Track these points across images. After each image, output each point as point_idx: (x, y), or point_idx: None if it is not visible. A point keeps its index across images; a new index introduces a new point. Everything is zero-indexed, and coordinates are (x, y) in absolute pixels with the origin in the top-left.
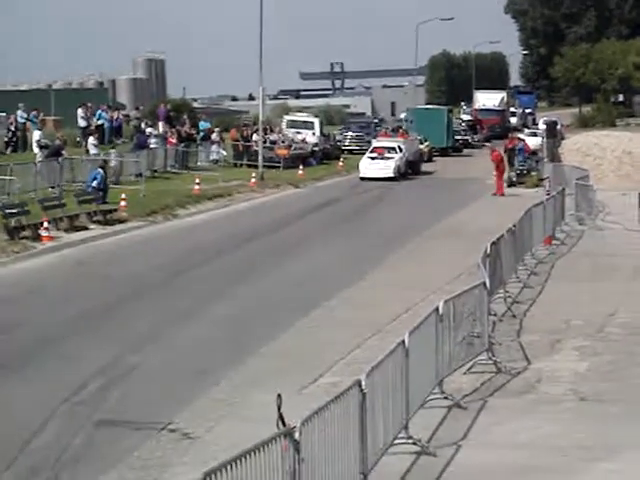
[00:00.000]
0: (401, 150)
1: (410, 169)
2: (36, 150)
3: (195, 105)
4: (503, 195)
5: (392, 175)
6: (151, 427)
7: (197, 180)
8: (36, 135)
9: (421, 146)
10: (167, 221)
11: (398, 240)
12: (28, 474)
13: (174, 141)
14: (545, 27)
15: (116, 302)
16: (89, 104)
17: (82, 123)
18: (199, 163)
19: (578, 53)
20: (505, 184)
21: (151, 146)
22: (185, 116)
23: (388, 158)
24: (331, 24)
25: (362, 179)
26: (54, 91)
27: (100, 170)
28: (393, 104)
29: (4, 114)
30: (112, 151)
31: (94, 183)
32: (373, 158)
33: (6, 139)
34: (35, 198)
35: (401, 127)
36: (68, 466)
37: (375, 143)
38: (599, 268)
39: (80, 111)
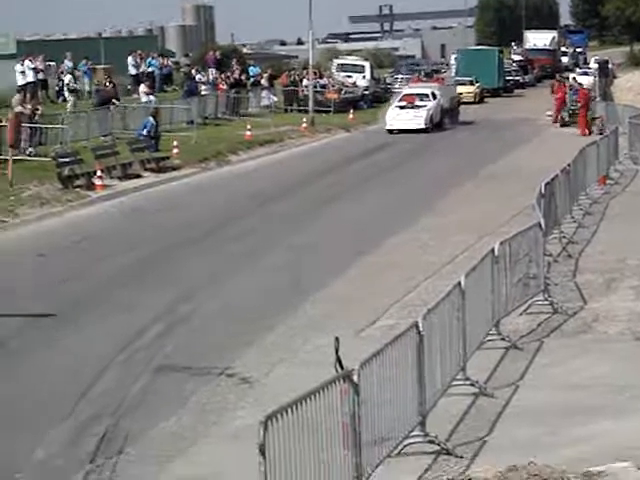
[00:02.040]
0: (435, 97)
1: (446, 117)
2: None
3: (244, 51)
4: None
5: (423, 126)
6: (209, 372)
7: (248, 126)
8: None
9: (469, 88)
10: (219, 167)
11: (451, 183)
12: (89, 421)
13: (224, 87)
14: None
15: (171, 249)
16: (139, 52)
17: (132, 71)
18: (250, 109)
19: None
20: (558, 124)
21: (202, 93)
22: (234, 62)
23: (419, 107)
24: None
25: (389, 132)
26: (103, 39)
27: (150, 118)
28: (443, 46)
29: (54, 63)
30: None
31: (144, 131)
32: (402, 107)
33: (57, 88)
34: (88, 147)
35: (437, 71)
36: (128, 413)
37: (405, 90)
38: None
39: (130, 59)
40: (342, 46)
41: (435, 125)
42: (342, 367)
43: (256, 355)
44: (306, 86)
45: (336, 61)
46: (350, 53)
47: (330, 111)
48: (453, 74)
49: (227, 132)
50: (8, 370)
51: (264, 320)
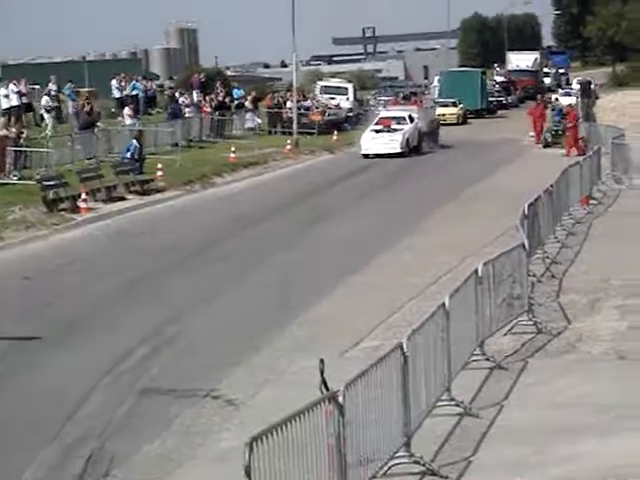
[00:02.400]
0: (412, 120)
1: (425, 141)
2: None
3: (228, 73)
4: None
5: (399, 150)
6: (195, 394)
7: (232, 148)
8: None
9: (452, 109)
10: (204, 190)
11: (434, 204)
12: (75, 444)
13: (208, 110)
14: None
15: (156, 271)
16: (123, 75)
17: (117, 94)
18: (234, 131)
19: (611, 12)
20: (541, 144)
21: (186, 115)
22: (218, 84)
23: (395, 130)
24: None
25: (365, 156)
26: (87, 63)
27: (134, 141)
28: (426, 67)
29: (38, 87)
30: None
31: (128, 154)
32: (378, 131)
33: (41, 112)
34: (72, 170)
35: (415, 93)
36: (114, 435)
37: (382, 113)
38: (637, 227)
39: (114, 82)
40: (326, 68)
41: (412, 149)
42: (327, 388)
43: (242, 376)
44: (290, 108)
45: (320, 83)
46: (334, 75)
47: (314, 133)
48: (436, 95)
49: (211, 154)
50: None
51: (250, 341)
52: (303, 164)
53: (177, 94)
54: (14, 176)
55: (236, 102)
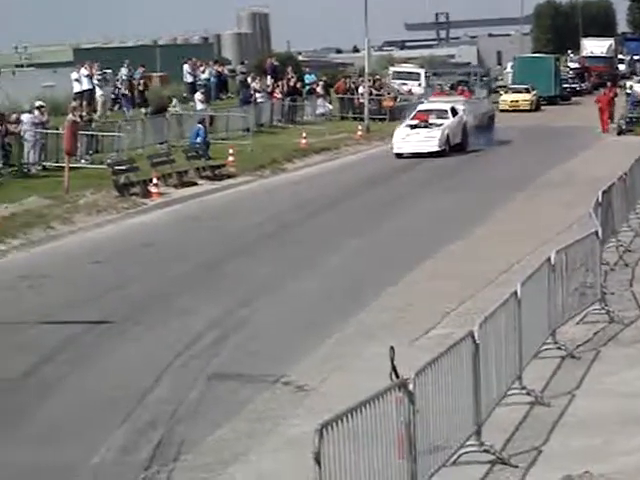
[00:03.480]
0: (455, 113)
1: (473, 137)
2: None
3: (300, 58)
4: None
5: (437, 149)
6: (265, 380)
7: (303, 134)
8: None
9: (526, 96)
10: (275, 175)
11: (507, 192)
12: (145, 428)
13: (279, 95)
14: None
15: (227, 256)
16: (195, 60)
17: (188, 79)
18: (305, 117)
19: None
20: (615, 132)
21: (257, 101)
22: (290, 70)
23: (433, 125)
24: None
25: (398, 156)
26: (159, 47)
27: (200, 125)
28: (499, 53)
29: (110, 71)
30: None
31: (198, 139)
32: (413, 127)
33: (113, 96)
34: (143, 155)
35: (465, 81)
36: (183, 420)
37: (420, 106)
38: None
39: (186, 67)
40: (398, 53)
41: (454, 147)
42: (397, 376)
43: (312, 362)
44: (362, 94)
45: (392, 69)
46: (406, 60)
47: (385, 119)
48: (509, 81)
49: (282, 140)
50: (65, 378)
51: (321, 327)
52: (374, 150)
53: (249, 79)
54: (85, 160)
55: (307, 87)
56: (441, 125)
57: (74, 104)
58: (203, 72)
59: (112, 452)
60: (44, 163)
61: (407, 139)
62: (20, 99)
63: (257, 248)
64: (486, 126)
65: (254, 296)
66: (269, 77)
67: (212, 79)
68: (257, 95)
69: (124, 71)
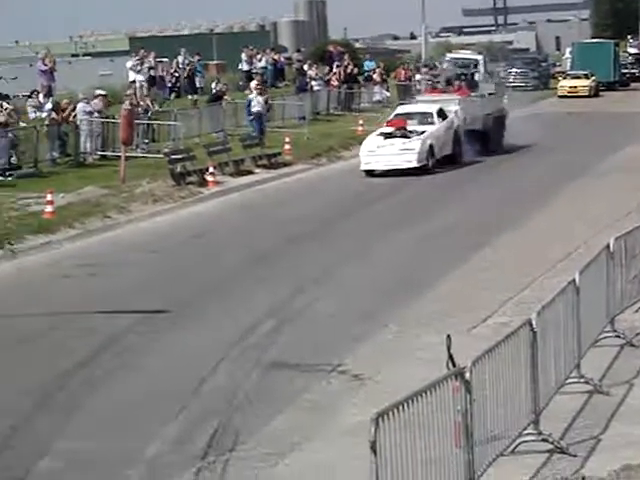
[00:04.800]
0: (444, 117)
1: (469, 145)
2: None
3: (356, 45)
4: None
5: (416, 164)
6: (321, 369)
7: (360, 121)
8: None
9: (585, 82)
10: (331, 163)
11: (563, 178)
12: (201, 418)
13: (336, 83)
14: None
15: (284, 245)
16: (251, 47)
17: (245, 67)
18: (362, 104)
19: None
20: None
21: (313, 88)
22: (347, 57)
23: (413, 134)
24: None
25: (367, 174)
26: (216, 35)
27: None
28: (557, 39)
29: (166, 59)
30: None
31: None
32: (387, 135)
33: (169, 84)
34: (200, 143)
35: (463, 74)
36: (240, 409)
37: (400, 108)
38: None
39: (243, 55)
40: (455, 40)
41: (443, 160)
42: (454, 365)
43: (368, 352)
44: (419, 80)
45: (449, 55)
46: (463, 47)
47: None
48: (568, 67)
49: (339, 127)
50: (121, 368)
51: (377, 316)
52: None
53: (305, 67)
54: (142, 150)
55: (365, 74)
56: (423, 133)
57: (130, 93)
58: (260, 60)
59: (168, 442)
60: (102, 152)
61: (378, 152)
62: (76, 88)
63: (313, 237)
64: (492, 130)
65: (311, 284)
66: (333, 65)
67: (268, 67)
68: (313, 83)
69: (180, 59)
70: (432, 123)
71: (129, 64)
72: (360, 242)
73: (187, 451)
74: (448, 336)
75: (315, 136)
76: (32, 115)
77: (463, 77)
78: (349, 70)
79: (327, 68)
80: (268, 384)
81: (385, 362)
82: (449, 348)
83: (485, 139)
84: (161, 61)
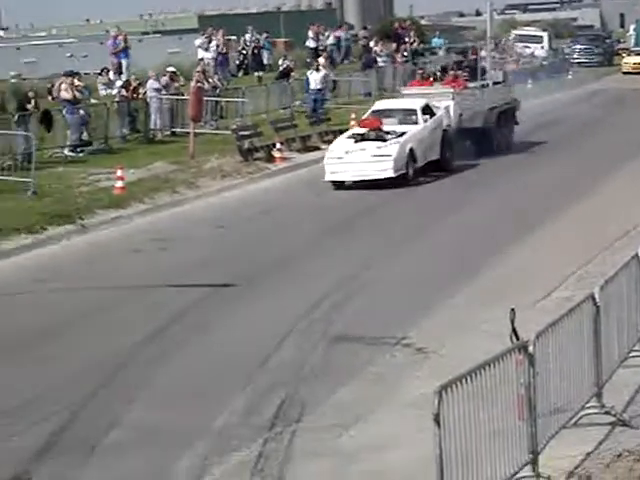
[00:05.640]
0: (431, 114)
1: (469, 146)
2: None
3: (422, 22)
4: None
5: (392, 174)
6: (385, 342)
7: None
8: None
9: None
10: None
11: (624, 157)
12: (268, 390)
13: (401, 59)
14: None
15: (350, 219)
16: (318, 25)
17: (311, 44)
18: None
19: None
20: None
21: (379, 65)
22: (412, 34)
23: (390, 136)
24: None
25: (335, 186)
26: (283, 13)
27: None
28: (622, 16)
29: (234, 37)
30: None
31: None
32: (359, 138)
33: (237, 62)
34: (267, 120)
35: (459, 64)
36: (306, 381)
37: (378, 104)
38: None
39: (310, 32)
40: (520, 17)
41: (428, 167)
42: (517, 338)
43: (432, 325)
44: (483, 57)
45: (514, 32)
46: (528, 24)
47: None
48: (632, 44)
49: None
50: (188, 340)
51: (441, 290)
52: None
53: (371, 43)
54: (210, 126)
55: (431, 51)
56: (402, 135)
57: (199, 70)
58: (327, 37)
59: (235, 414)
60: (171, 129)
61: (347, 159)
62: (146, 66)
63: (380, 211)
64: (496, 127)
65: (375, 259)
66: (399, 41)
67: (337, 43)
68: (379, 59)
69: (248, 37)
70: (415, 122)
71: (198, 42)
72: (429, 214)
73: (254, 422)
74: (512, 310)
75: None
76: (103, 92)
77: (463, 64)
78: (414, 46)
79: (393, 45)
80: (334, 356)
81: (449, 335)
82: (513, 322)
83: (488, 138)
84: (229, 39)
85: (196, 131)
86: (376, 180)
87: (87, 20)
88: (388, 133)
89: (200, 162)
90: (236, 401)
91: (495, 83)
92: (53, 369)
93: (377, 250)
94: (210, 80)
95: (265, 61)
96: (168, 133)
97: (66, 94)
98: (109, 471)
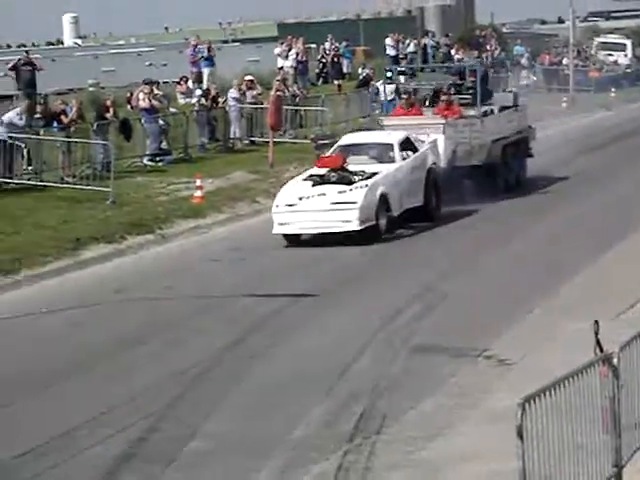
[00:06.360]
0: (414, 149)
1: (475, 185)
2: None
3: (503, 30)
4: None
5: (356, 227)
6: (467, 354)
7: None
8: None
9: None
10: None
11: None
12: (347, 401)
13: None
14: None
15: (431, 228)
16: (398, 33)
17: (391, 52)
18: (509, 88)
19: None
20: None
21: None
22: (493, 41)
23: (356, 177)
24: None
25: (288, 240)
26: (363, 21)
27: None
28: None
29: (314, 45)
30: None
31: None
32: (317, 180)
33: (317, 70)
34: (346, 128)
35: (457, 85)
36: (386, 392)
37: (345, 137)
38: None
39: (389, 40)
40: (604, 24)
41: (408, 214)
42: (602, 350)
43: (514, 337)
44: (566, 65)
45: (597, 39)
46: (611, 31)
47: (591, 90)
48: None
49: None
50: (268, 350)
51: (522, 302)
52: (580, 122)
53: (452, 51)
54: (289, 135)
55: (513, 59)
56: (371, 177)
57: (278, 79)
58: (407, 45)
59: (314, 424)
60: (250, 138)
61: (300, 206)
62: (225, 74)
63: (456, 223)
64: (503, 163)
65: (454, 270)
66: (480, 49)
67: (424, 50)
68: None
69: (327, 45)
70: (391, 160)
71: (277, 50)
72: (505, 225)
73: (334, 434)
74: (596, 321)
75: None
76: (181, 101)
77: (458, 86)
78: (496, 54)
79: (475, 52)
80: (414, 368)
81: (531, 347)
82: (597, 333)
83: (491, 177)
84: (309, 47)
85: (275, 140)
86: (338, 233)
87: (166, 29)
88: (355, 174)
89: (279, 171)
90: (316, 412)
91: (503, 108)
92: (134, 379)
93: (458, 257)
94: (289, 89)
95: (345, 69)
96: (247, 142)
97: (144, 103)
98: None
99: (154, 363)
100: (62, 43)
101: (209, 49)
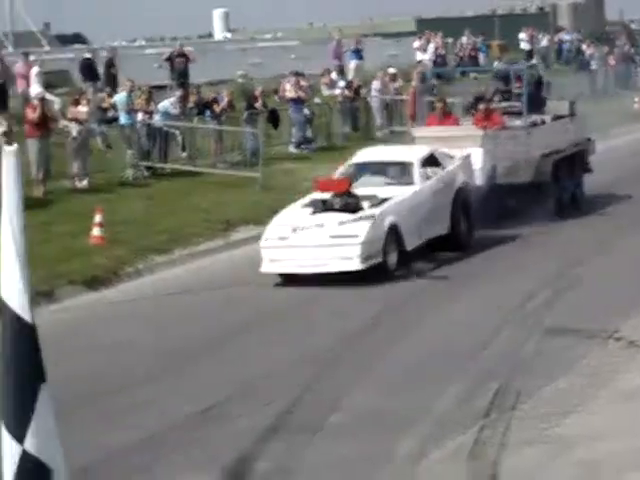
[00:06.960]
0: (436, 168)
1: (521, 207)
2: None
3: (632, 27)
4: None
5: (359, 265)
6: (598, 335)
7: (636, 99)
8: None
9: None
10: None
11: None
12: (483, 379)
13: (613, 62)
14: None
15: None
16: (531, 28)
17: (526, 46)
18: (639, 84)
19: None
20: None
21: (592, 67)
22: (624, 37)
23: (363, 206)
24: None
25: (284, 279)
26: (498, 17)
27: None
28: None
29: (451, 39)
30: None
31: None
32: (318, 207)
33: (454, 63)
34: None
35: (505, 92)
36: (520, 371)
37: (359, 155)
38: None
39: (523, 35)
40: None
41: (429, 248)
42: None
43: None
44: None
45: None
46: None
47: None
48: None
49: (616, 105)
50: (406, 331)
51: None
52: None
53: (584, 46)
54: None
55: None
56: (382, 203)
57: (418, 71)
58: (541, 40)
59: (452, 401)
60: (390, 128)
61: (293, 240)
62: (367, 67)
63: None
64: (553, 182)
65: (587, 255)
66: (610, 44)
67: (559, 45)
68: (591, 62)
69: (465, 39)
70: (409, 182)
71: (416, 44)
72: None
73: (470, 409)
74: None
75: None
76: (325, 92)
77: (506, 92)
78: (626, 50)
79: (605, 48)
80: (547, 348)
81: None
82: None
83: (540, 197)
84: (447, 42)
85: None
86: (337, 273)
87: (311, 24)
88: (364, 199)
89: None
90: (453, 389)
91: (556, 118)
92: (277, 354)
93: (591, 245)
94: (428, 81)
95: (481, 63)
96: (387, 131)
97: (291, 93)
98: (331, 452)
99: (295, 339)
100: (212, 36)
101: (357, 43)
